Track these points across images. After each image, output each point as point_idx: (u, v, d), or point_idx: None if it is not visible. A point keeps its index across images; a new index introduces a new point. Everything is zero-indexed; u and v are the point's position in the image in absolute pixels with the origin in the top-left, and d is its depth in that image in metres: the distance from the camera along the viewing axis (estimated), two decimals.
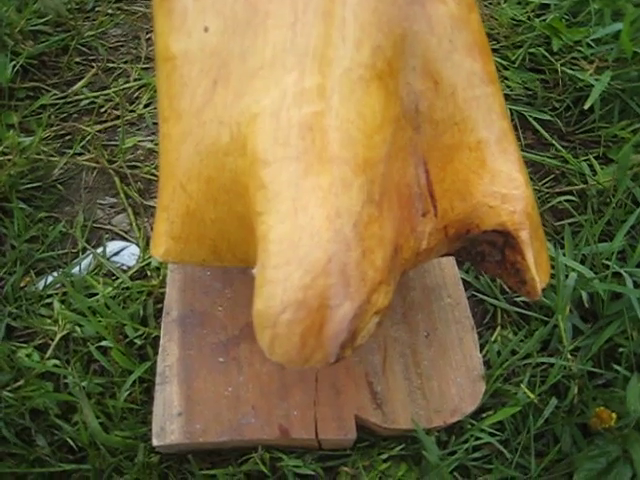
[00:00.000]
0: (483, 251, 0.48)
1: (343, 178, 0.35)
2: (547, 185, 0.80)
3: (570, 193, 0.77)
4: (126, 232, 0.73)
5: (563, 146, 0.85)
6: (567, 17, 0.97)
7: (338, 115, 0.35)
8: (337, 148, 0.35)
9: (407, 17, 0.38)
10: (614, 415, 0.54)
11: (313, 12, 0.35)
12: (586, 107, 0.79)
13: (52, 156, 0.77)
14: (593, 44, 0.88)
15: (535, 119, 0.86)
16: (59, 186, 0.76)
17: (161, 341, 0.58)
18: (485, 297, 0.67)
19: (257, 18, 0.37)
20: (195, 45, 0.39)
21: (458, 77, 0.41)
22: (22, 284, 0.68)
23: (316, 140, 0.34)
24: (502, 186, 0.43)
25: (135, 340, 0.61)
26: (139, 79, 0.87)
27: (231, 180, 0.39)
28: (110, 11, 0.96)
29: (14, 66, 0.84)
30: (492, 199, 0.43)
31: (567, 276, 0.65)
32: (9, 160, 0.72)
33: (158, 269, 0.67)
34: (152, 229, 0.72)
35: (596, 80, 0.82)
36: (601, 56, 0.86)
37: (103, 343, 0.61)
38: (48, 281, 0.68)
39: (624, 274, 0.65)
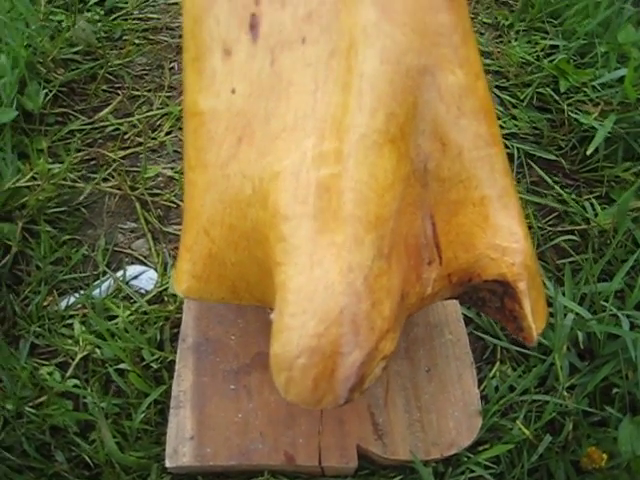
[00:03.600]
0: (484, 297, 0.51)
1: (356, 235, 0.38)
2: (550, 223, 0.83)
3: (572, 232, 0.80)
4: (145, 257, 0.76)
5: (567, 184, 0.88)
6: (575, 58, 1.00)
7: (353, 177, 0.38)
8: (351, 207, 0.38)
9: (419, 86, 0.41)
10: (604, 456, 0.56)
11: (333, 82, 0.39)
12: (588, 153, 0.82)
13: (78, 182, 0.81)
14: (599, 87, 0.91)
15: (540, 158, 0.89)
16: (83, 209, 0.80)
17: (176, 366, 0.61)
18: (485, 335, 0.69)
19: (281, 85, 0.40)
20: (223, 104, 0.42)
21: (465, 140, 0.44)
22: (45, 303, 0.72)
23: (332, 200, 0.38)
24: (503, 239, 0.46)
25: (151, 364, 0.65)
26: (162, 107, 0.91)
27: (252, 228, 0.43)
28: (137, 41, 1.00)
29: (45, 93, 0.88)
30: (493, 251, 0.46)
31: (565, 315, 0.68)
32: (38, 185, 0.76)
33: (174, 295, 0.71)
34: (169, 254, 0.76)
35: (600, 124, 0.85)
36: (606, 99, 0.89)
37: (121, 365, 0.64)
38: (70, 302, 0.71)
39: (620, 316, 0.68)
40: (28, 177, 0.76)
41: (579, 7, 1.03)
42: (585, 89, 0.93)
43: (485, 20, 1.10)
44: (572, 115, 0.90)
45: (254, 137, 0.42)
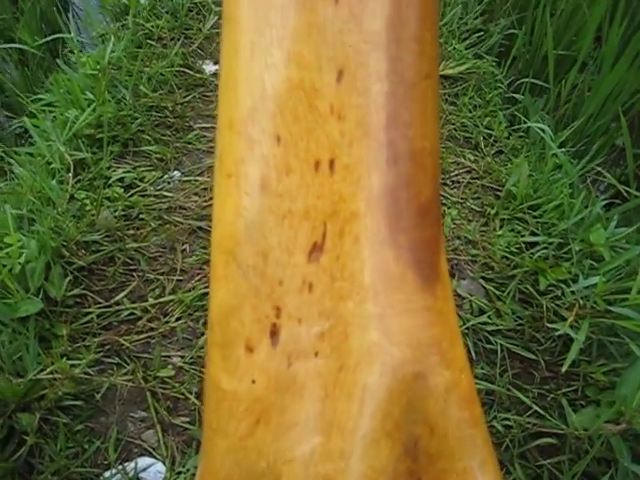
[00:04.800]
0: None
1: None
2: (530, 421, 0.89)
3: (550, 435, 0.87)
4: (154, 449, 0.81)
5: (547, 377, 0.95)
6: (554, 252, 1.10)
7: (353, 470, 0.45)
8: None
9: (412, 388, 0.49)
10: None
11: (340, 391, 0.47)
12: (564, 369, 0.89)
13: (94, 375, 0.87)
14: (575, 290, 1.00)
15: (522, 354, 0.97)
16: (97, 396, 0.86)
17: None
18: None
19: (295, 386, 0.48)
20: (243, 390, 0.50)
21: (450, 425, 0.52)
22: None
23: None
24: None
25: None
26: (173, 293, 0.99)
27: None
28: (152, 224, 1.09)
29: (67, 277, 0.96)
30: None
31: None
32: (56, 379, 0.82)
33: None
34: (177, 448, 0.81)
35: (576, 328, 0.93)
36: (582, 303, 0.97)
37: None
38: None
39: None
40: (49, 370, 0.82)
41: (556, 203, 1.14)
42: (563, 286, 1.02)
43: (473, 207, 1.21)
44: (550, 316, 0.98)
45: (270, 422, 0.49)
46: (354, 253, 0.49)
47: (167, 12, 1.62)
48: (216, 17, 1.63)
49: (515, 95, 1.59)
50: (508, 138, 1.46)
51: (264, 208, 0.48)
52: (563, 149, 1.28)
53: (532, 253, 1.09)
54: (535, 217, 1.17)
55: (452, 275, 1.07)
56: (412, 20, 0.44)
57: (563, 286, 1.02)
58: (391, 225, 0.49)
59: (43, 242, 0.95)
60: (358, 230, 0.49)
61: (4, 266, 0.89)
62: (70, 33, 1.48)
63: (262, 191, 0.47)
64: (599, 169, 1.42)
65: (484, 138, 1.43)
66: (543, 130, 1.24)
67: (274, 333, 0.51)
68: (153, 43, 1.49)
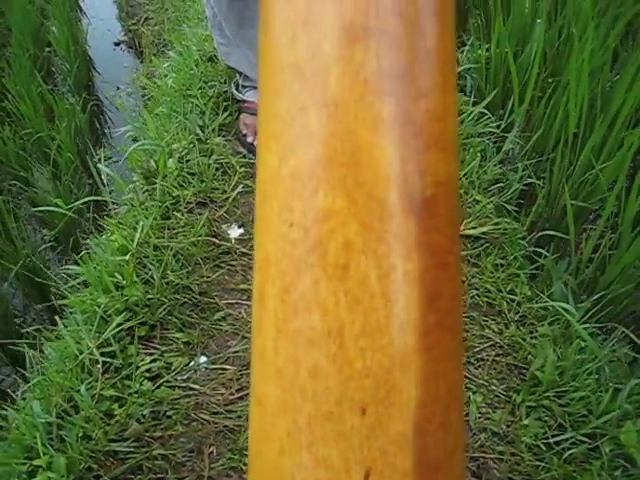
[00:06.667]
0: None
1: None
2: None
3: None
4: None
5: None
6: (584, 446, 1.08)
7: None
8: None
9: None
10: None
11: None
12: None
13: None
14: None
15: None
16: None
17: None
18: None
19: None
20: None
21: None
22: None
23: None
24: None
25: None
26: None
27: None
28: (180, 426, 1.10)
29: None
30: None
31: None
32: None
33: None
34: None
35: None
36: None
37: None
38: None
39: None
40: None
41: (584, 394, 1.13)
42: None
43: (499, 392, 1.20)
44: None
45: None
46: None
47: (193, 174, 1.68)
48: (241, 181, 1.69)
49: (537, 251, 1.60)
50: (531, 300, 1.46)
51: None
52: (587, 324, 1.27)
53: (561, 449, 1.07)
54: (561, 405, 1.16)
55: (479, 477, 1.05)
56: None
57: None
58: None
59: (72, 460, 0.96)
60: None
61: None
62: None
63: None
64: (625, 330, 1.40)
65: (507, 303, 1.44)
66: (566, 310, 1.25)
67: None
68: (179, 216, 1.54)
